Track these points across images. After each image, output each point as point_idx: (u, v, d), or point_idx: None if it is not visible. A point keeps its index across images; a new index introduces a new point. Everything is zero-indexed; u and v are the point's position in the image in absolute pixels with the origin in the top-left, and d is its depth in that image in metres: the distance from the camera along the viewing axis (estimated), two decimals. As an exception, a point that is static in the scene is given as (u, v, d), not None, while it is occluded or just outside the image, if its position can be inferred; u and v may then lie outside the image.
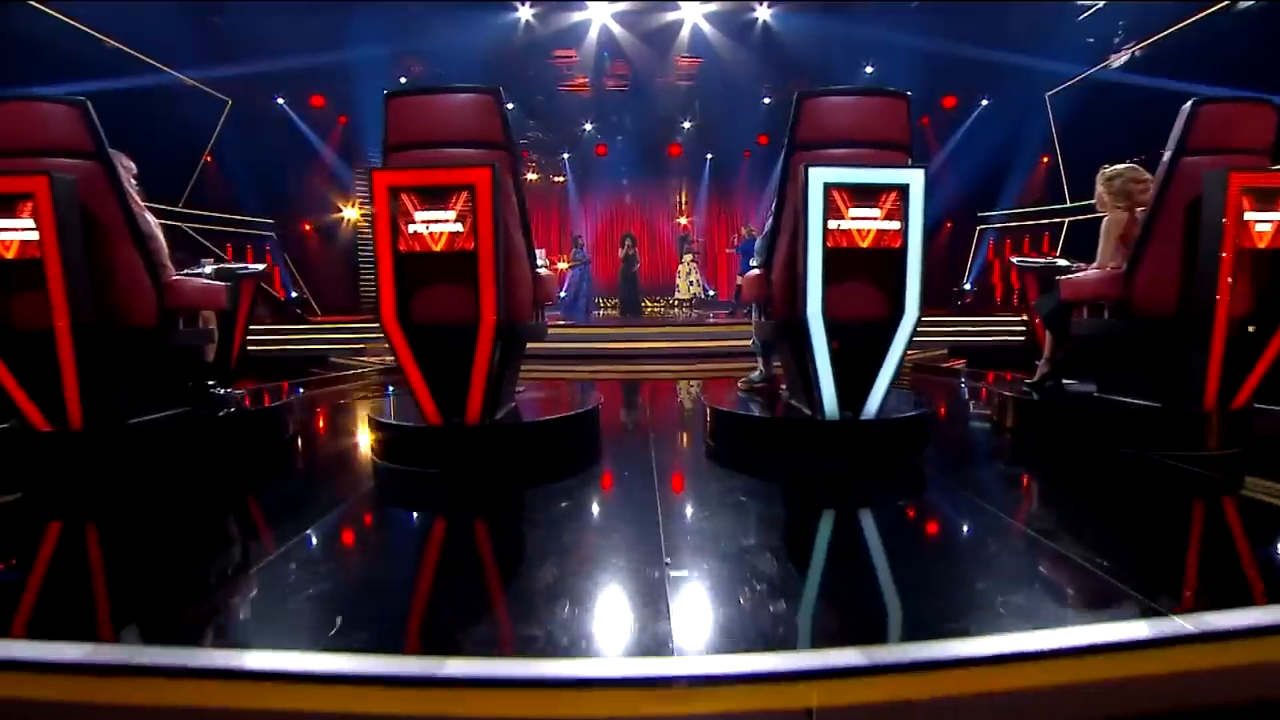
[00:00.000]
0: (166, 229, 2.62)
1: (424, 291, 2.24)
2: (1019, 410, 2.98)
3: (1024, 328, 8.29)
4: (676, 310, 9.74)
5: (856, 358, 2.32)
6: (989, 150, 10.94)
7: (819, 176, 2.13)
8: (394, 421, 2.44)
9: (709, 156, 14.31)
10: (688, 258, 9.77)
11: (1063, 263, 3.35)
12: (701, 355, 6.94)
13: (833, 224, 2.16)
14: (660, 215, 15.24)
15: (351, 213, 11.89)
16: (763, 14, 10.18)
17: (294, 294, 10.79)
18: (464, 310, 2.19)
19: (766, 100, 12.33)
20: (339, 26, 9.46)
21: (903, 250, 2.20)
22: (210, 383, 2.91)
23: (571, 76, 11.66)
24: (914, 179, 2.16)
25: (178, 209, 10.18)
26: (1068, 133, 10.56)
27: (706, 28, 10.46)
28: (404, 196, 2.13)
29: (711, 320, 8.69)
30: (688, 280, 9.71)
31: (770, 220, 2.57)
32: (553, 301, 2.77)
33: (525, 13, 10.05)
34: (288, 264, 11.07)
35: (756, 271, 2.68)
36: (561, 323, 8.96)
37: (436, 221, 2.13)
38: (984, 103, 11.68)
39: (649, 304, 12.75)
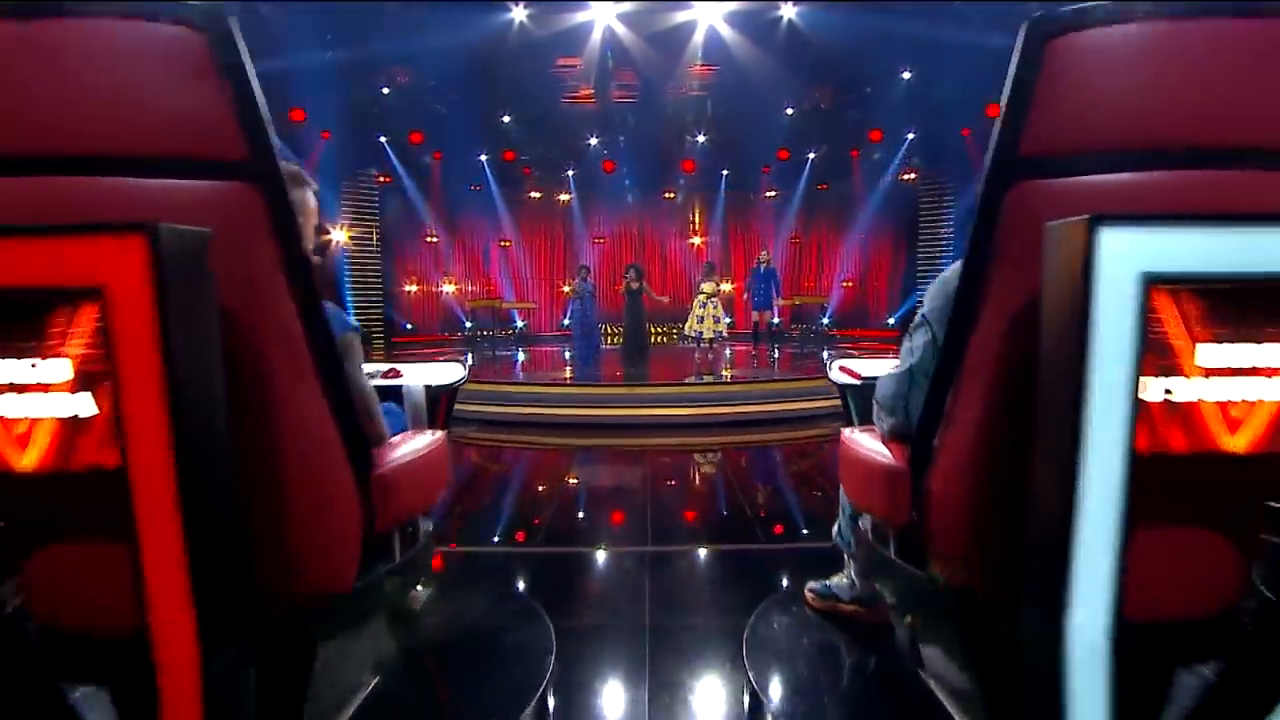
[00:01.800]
0: None
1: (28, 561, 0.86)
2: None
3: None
4: (692, 343, 8.02)
5: (1158, 690, 0.90)
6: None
7: (1126, 254, 0.72)
8: None
9: (724, 172, 13.02)
10: (709, 286, 7.75)
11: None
12: (723, 425, 5.50)
13: (1153, 388, 0.76)
14: (671, 236, 13.99)
15: (340, 235, 10.88)
16: (788, 12, 8.86)
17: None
18: (117, 604, 0.81)
19: (789, 111, 11.03)
20: (313, 30, 8.28)
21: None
22: None
23: (575, 87, 10.40)
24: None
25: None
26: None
27: (724, 30, 9.18)
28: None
29: (732, 377, 7.06)
30: (696, 315, 7.73)
31: (920, 334, 1.12)
32: (427, 514, 1.33)
33: (519, 13, 8.82)
34: None
35: (882, 457, 1.16)
36: (552, 385, 7.60)
37: (21, 390, 0.75)
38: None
39: (656, 330, 11.38)
